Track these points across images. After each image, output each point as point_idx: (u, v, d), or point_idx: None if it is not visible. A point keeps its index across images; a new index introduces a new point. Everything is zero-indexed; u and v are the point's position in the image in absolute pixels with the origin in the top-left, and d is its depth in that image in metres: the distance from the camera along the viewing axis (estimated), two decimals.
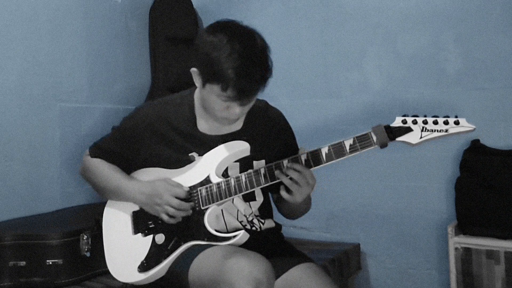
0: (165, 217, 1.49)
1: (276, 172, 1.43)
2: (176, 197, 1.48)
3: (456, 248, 2.26)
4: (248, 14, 3.07)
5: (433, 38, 2.57)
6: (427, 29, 2.58)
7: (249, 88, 1.36)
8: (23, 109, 2.45)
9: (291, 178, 1.40)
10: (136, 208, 1.58)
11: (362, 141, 1.39)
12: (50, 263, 2.01)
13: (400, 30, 2.66)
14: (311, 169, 1.43)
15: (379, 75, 2.73)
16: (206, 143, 1.53)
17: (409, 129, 1.37)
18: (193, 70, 1.43)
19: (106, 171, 1.60)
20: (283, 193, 1.42)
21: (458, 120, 1.34)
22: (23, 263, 2.00)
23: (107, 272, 1.59)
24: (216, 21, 1.43)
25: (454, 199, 2.38)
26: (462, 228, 2.31)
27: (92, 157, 1.64)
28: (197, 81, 1.45)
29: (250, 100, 1.42)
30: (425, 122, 1.36)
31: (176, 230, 1.50)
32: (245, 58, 1.32)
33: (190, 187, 1.51)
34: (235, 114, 1.43)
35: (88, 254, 2.09)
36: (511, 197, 2.21)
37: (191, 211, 1.49)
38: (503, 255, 2.16)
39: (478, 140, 2.38)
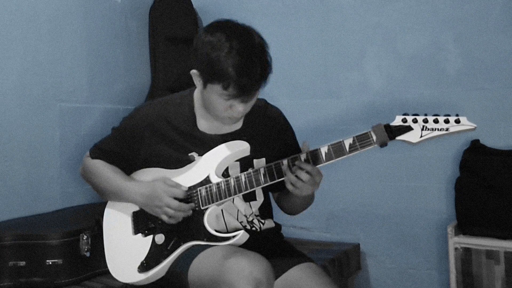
0: (165, 218, 1.49)
1: (283, 167, 1.42)
2: (175, 198, 1.47)
3: (456, 248, 2.26)
4: (248, 14, 3.07)
5: (433, 38, 2.57)
6: (427, 29, 2.58)
7: (250, 85, 1.36)
8: (23, 109, 2.45)
9: (297, 176, 1.40)
10: (136, 208, 1.57)
11: (361, 141, 1.38)
12: (50, 263, 2.01)
13: (400, 30, 2.66)
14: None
15: (379, 75, 2.73)
16: (206, 143, 1.53)
17: (409, 128, 1.36)
18: (193, 72, 1.44)
19: (106, 173, 1.59)
20: (289, 185, 1.41)
21: (459, 119, 1.33)
22: (23, 263, 2.00)
23: (107, 272, 1.59)
24: (214, 21, 1.44)
25: (454, 199, 2.38)
26: (462, 228, 2.31)
27: (92, 158, 1.64)
28: (198, 82, 1.45)
29: (252, 97, 1.42)
30: (425, 121, 1.35)
31: (176, 230, 1.50)
32: (244, 56, 1.33)
33: (189, 187, 1.51)
34: (238, 112, 1.43)
35: (88, 254, 2.09)
36: (511, 197, 2.21)
37: (191, 212, 1.49)
38: (503, 255, 2.16)
39: (478, 140, 2.38)
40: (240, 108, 1.42)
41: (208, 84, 1.39)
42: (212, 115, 1.50)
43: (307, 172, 1.39)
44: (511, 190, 2.22)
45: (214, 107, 1.44)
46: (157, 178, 1.53)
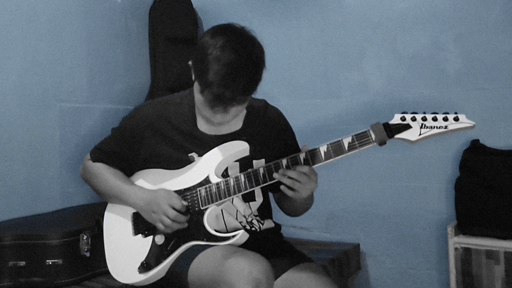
0: (160, 226, 1.48)
1: (280, 172, 1.41)
2: (174, 208, 1.47)
3: (456, 248, 2.26)
4: (248, 14, 3.07)
5: (433, 38, 2.57)
6: (427, 29, 2.58)
7: (225, 97, 1.31)
8: (23, 109, 2.45)
9: (293, 179, 1.39)
10: None
11: (360, 139, 1.38)
12: (50, 263, 2.01)
13: (400, 30, 2.66)
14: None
15: (379, 75, 2.73)
16: (206, 143, 1.53)
17: (408, 126, 1.36)
18: (190, 63, 1.43)
19: (108, 177, 1.59)
20: (287, 191, 1.41)
21: (457, 117, 1.33)
22: (23, 263, 2.00)
23: (107, 272, 1.60)
24: (223, 23, 1.41)
25: (454, 199, 2.38)
26: (462, 228, 2.31)
27: (93, 161, 1.63)
28: (192, 74, 1.44)
29: (226, 109, 1.36)
30: (424, 119, 1.35)
31: (175, 231, 1.50)
32: (231, 67, 1.29)
33: (189, 188, 1.51)
34: (217, 119, 1.40)
35: (88, 254, 2.09)
36: (511, 197, 2.21)
37: (186, 224, 1.48)
38: (502, 255, 2.16)
39: (478, 140, 2.38)
40: (218, 116, 1.39)
41: (196, 80, 1.38)
42: (198, 112, 1.49)
43: (303, 173, 1.38)
44: (511, 190, 2.22)
45: (197, 104, 1.44)
46: (162, 188, 1.53)
